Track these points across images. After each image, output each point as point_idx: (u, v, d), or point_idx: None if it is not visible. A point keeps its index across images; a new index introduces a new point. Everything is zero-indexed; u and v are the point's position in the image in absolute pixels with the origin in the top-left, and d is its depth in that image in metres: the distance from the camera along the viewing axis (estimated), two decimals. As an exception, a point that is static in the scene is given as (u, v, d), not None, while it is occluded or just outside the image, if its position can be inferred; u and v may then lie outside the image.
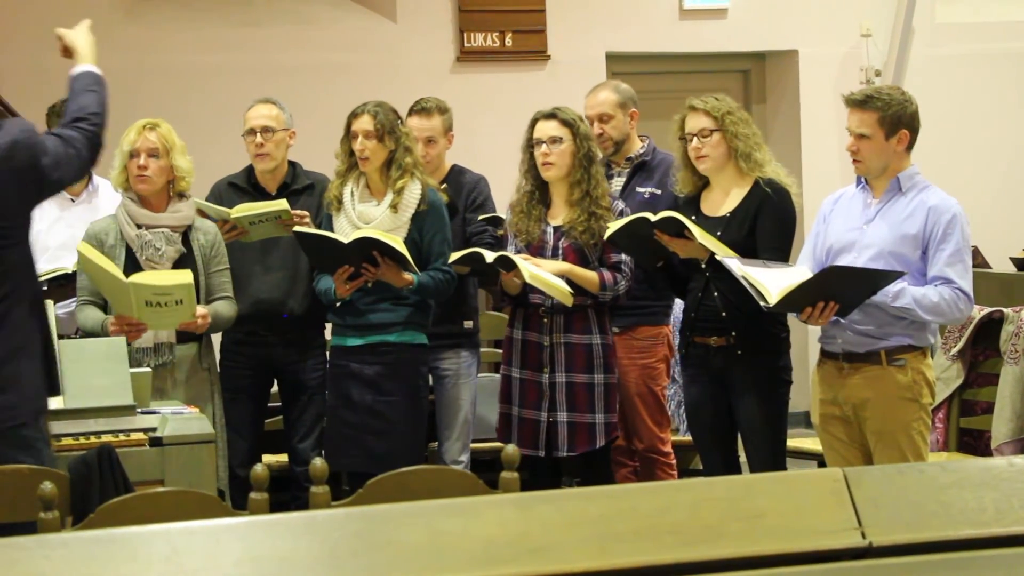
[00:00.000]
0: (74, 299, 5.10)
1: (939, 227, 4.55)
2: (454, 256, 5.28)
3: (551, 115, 5.26)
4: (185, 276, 4.81)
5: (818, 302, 4.52)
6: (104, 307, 5.00)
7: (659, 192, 5.57)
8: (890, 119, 4.59)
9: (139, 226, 5.00)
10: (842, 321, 4.64)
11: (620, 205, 5.31)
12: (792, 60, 8.94)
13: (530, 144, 5.29)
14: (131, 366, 4.64)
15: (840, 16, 8.90)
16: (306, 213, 5.35)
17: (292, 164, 5.62)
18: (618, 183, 5.78)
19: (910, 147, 4.66)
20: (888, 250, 4.54)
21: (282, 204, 5.30)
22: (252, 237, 5.33)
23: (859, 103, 4.62)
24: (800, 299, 4.53)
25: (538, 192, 5.31)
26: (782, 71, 9.03)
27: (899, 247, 4.55)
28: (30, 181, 3.69)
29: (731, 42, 8.81)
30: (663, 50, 8.66)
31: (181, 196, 5.12)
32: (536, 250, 5.26)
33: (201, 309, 4.91)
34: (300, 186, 5.55)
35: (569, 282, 5.14)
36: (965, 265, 4.57)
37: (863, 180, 4.73)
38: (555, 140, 5.21)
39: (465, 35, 8.32)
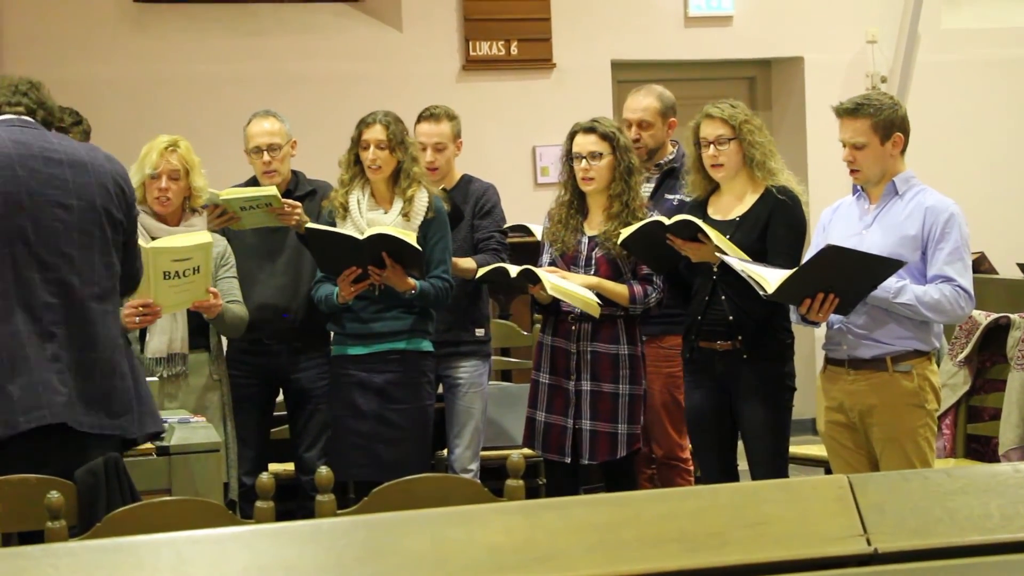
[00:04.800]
0: None
1: (937, 227, 4.55)
2: (480, 271, 5.29)
3: (590, 129, 5.23)
4: (203, 236, 4.83)
5: (817, 293, 4.51)
6: None
7: (688, 199, 5.57)
8: (883, 124, 4.59)
9: (154, 239, 5.01)
10: (844, 327, 4.64)
11: (654, 215, 5.32)
12: (797, 67, 8.94)
13: (568, 155, 5.28)
14: (145, 376, 4.65)
15: (845, 23, 8.90)
16: (298, 204, 5.35)
17: (295, 173, 5.63)
18: (647, 189, 5.80)
19: (904, 150, 4.66)
20: (888, 253, 4.54)
21: (271, 190, 5.30)
22: (244, 225, 5.32)
23: (850, 111, 4.63)
24: (799, 287, 4.52)
25: (576, 202, 5.31)
26: (787, 78, 9.03)
27: (898, 249, 4.54)
28: (121, 189, 3.76)
29: (736, 49, 8.82)
30: (668, 58, 8.67)
31: (194, 211, 5.16)
32: (569, 260, 5.27)
33: (213, 288, 4.93)
34: (302, 193, 5.56)
35: (599, 295, 5.14)
36: (964, 263, 4.57)
37: (859, 188, 4.74)
38: (595, 155, 5.20)
39: (470, 44, 8.33)
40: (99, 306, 3.65)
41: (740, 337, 4.90)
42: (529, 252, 5.68)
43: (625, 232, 5.04)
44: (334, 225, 5.25)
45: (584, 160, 5.21)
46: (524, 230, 6.76)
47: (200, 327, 5.13)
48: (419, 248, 5.06)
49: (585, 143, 5.22)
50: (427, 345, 5.29)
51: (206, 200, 5.24)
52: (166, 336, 5.05)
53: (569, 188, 5.31)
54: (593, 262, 5.24)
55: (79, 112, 5.42)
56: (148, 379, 4.59)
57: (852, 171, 4.66)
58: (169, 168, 5.08)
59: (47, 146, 3.62)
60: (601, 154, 5.20)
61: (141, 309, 4.65)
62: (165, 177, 5.07)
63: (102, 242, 3.68)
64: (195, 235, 4.87)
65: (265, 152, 5.49)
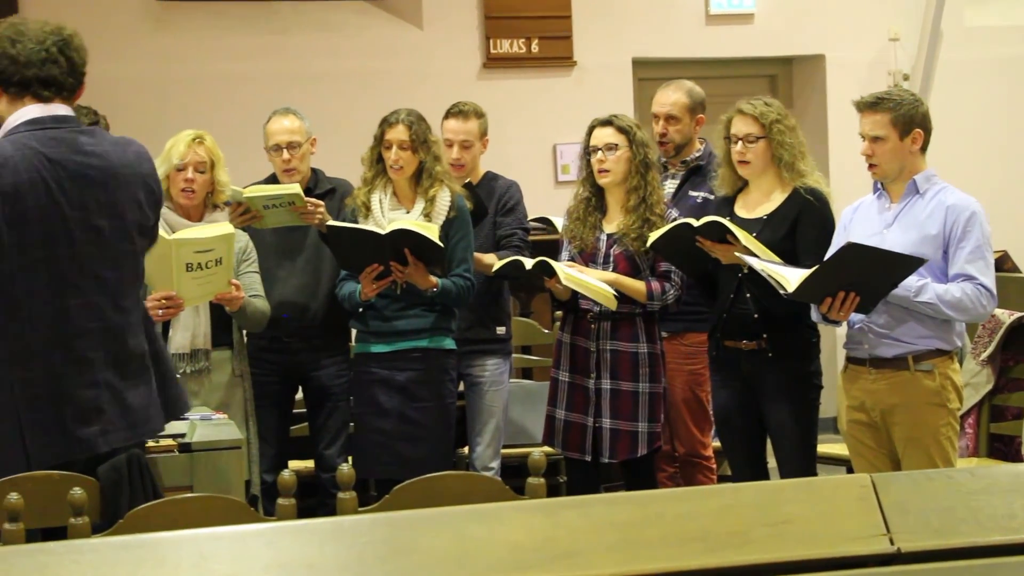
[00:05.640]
0: None
1: (958, 225, 4.54)
2: (492, 258, 5.30)
3: (607, 122, 5.28)
4: (225, 227, 4.83)
5: (838, 292, 4.50)
6: None
7: (712, 197, 5.56)
8: (903, 119, 4.58)
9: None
10: (865, 327, 4.62)
11: (674, 214, 5.32)
12: (819, 65, 8.92)
13: (587, 151, 5.30)
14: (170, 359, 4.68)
15: (868, 20, 8.87)
16: (320, 203, 5.35)
17: (314, 171, 5.64)
18: (671, 185, 5.80)
19: (924, 148, 4.65)
20: (909, 252, 4.52)
21: (294, 188, 5.30)
22: (266, 223, 5.33)
23: (871, 105, 4.63)
24: (820, 285, 4.51)
25: (595, 199, 5.32)
26: (809, 76, 9.01)
27: (920, 248, 4.53)
28: (151, 191, 3.71)
29: (758, 47, 8.80)
30: (690, 55, 8.66)
31: (215, 206, 5.16)
32: (588, 257, 5.28)
33: (235, 280, 4.94)
34: (322, 190, 5.57)
35: (617, 292, 5.14)
36: (986, 262, 4.56)
37: (880, 186, 4.72)
38: (611, 147, 5.22)
39: (491, 41, 8.33)
40: (128, 319, 3.63)
41: (765, 336, 4.89)
42: (550, 249, 5.68)
43: (654, 235, 5.04)
44: (356, 223, 5.25)
45: (600, 152, 5.22)
46: (546, 222, 6.76)
47: (223, 323, 5.14)
48: (441, 245, 5.06)
49: (602, 135, 5.25)
50: (449, 343, 5.29)
51: (229, 197, 5.25)
52: (189, 332, 5.06)
53: (587, 185, 5.33)
54: (612, 259, 5.25)
55: (96, 112, 5.43)
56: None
57: (870, 165, 4.65)
58: (196, 160, 5.10)
59: (82, 161, 3.53)
60: (617, 145, 5.22)
61: (164, 302, 4.66)
62: (191, 168, 5.09)
63: (132, 256, 3.65)
64: (217, 226, 4.88)
65: (285, 150, 5.50)
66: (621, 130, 5.24)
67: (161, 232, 4.60)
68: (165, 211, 5.07)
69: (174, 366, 4.88)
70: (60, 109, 3.59)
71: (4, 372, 3.46)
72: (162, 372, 3.75)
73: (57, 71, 3.58)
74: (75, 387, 3.51)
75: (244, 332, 5.30)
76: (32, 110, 3.56)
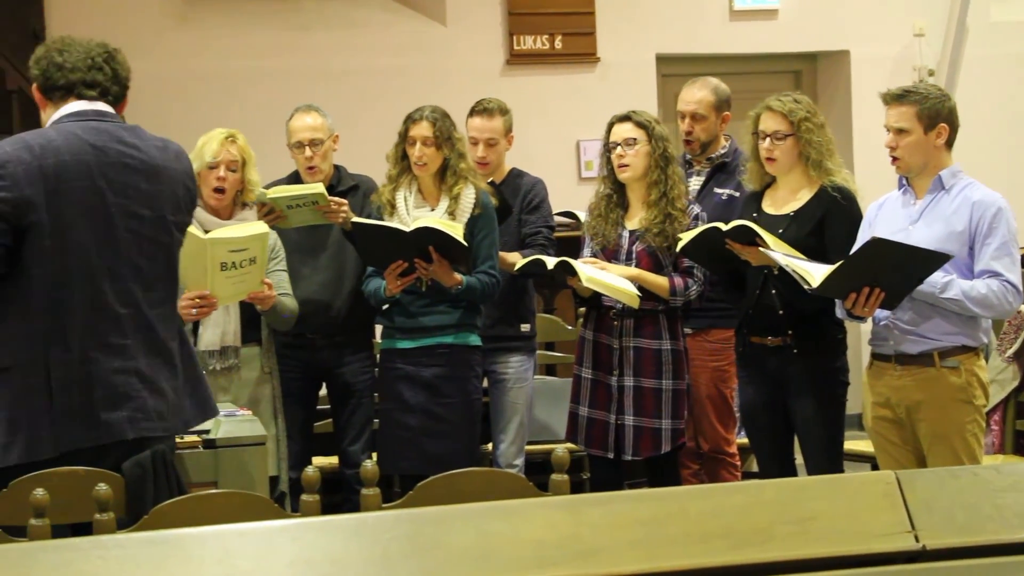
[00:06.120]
0: None
1: (984, 221, 4.51)
2: (518, 263, 5.30)
3: (626, 118, 5.28)
4: (260, 227, 4.85)
5: (863, 287, 4.48)
6: None
7: (737, 194, 5.55)
8: (928, 113, 4.56)
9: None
10: (890, 323, 4.61)
11: (696, 209, 5.31)
12: (844, 61, 8.89)
13: (606, 148, 5.31)
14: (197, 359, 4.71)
15: (892, 16, 8.84)
16: (344, 201, 5.36)
17: (337, 167, 5.64)
18: (697, 182, 5.80)
19: (950, 144, 4.63)
20: (934, 248, 4.50)
21: (318, 187, 5.31)
22: (291, 223, 5.34)
23: (897, 98, 4.61)
24: (844, 281, 4.50)
25: (616, 195, 5.32)
26: (834, 72, 8.98)
27: (945, 245, 4.50)
28: (187, 188, 3.75)
29: (782, 43, 8.78)
30: (713, 51, 8.64)
31: (244, 204, 5.19)
32: (611, 253, 5.28)
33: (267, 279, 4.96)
34: (345, 188, 5.57)
35: (640, 287, 5.14)
36: (1013, 258, 4.53)
37: (905, 182, 4.70)
38: (630, 142, 5.22)
39: (514, 38, 8.33)
40: (160, 311, 3.66)
41: (790, 332, 4.88)
42: (576, 245, 5.68)
43: (684, 239, 5.03)
44: (381, 221, 5.26)
45: (619, 147, 5.22)
46: (572, 216, 6.75)
47: (252, 320, 5.16)
48: (465, 243, 5.06)
49: (621, 131, 5.25)
50: (475, 339, 5.29)
51: (255, 197, 5.26)
52: (219, 329, 5.07)
53: (609, 182, 5.33)
54: (634, 255, 5.24)
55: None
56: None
57: (894, 159, 4.63)
58: (229, 158, 5.11)
59: (123, 151, 3.57)
60: (636, 140, 5.21)
61: (198, 301, 4.68)
62: (224, 167, 5.11)
63: (167, 248, 3.69)
64: (251, 225, 4.89)
65: (307, 147, 5.50)
66: (640, 125, 5.24)
67: (194, 231, 4.64)
68: (196, 209, 5.10)
69: (204, 363, 4.92)
70: (103, 107, 3.64)
71: (39, 352, 3.49)
72: (194, 374, 3.78)
73: (102, 77, 3.66)
74: (106, 371, 3.53)
75: (271, 329, 5.31)
76: (76, 104, 3.62)
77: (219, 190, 5.11)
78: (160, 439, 3.63)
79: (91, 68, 3.64)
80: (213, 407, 3.89)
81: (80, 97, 3.62)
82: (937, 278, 4.48)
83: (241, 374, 5.15)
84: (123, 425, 3.54)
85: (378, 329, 5.52)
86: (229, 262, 4.66)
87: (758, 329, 4.96)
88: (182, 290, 4.76)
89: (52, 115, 3.64)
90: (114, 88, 3.68)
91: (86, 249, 3.52)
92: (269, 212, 5.28)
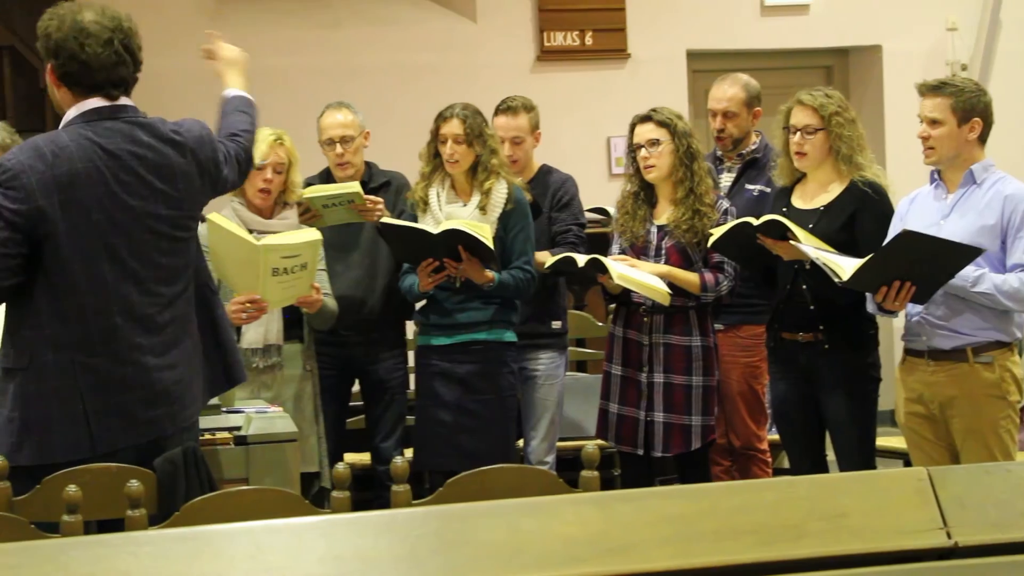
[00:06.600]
0: None
1: (1017, 215, 4.49)
2: (548, 261, 5.29)
3: (647, 118, 5.26)
4: (313, 233, 4.87)
5: (893, 281, 4.46)
6: None
7: (768, 190, 5.53)
8: (963, 106, 4.54)
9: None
10: (923, 318, 4.58)
11: (725, 204, 5.30)
12: (876, 56, 8.85)
13: (631, 147, 5.30)
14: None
15: (925, 10, 8.79)
16: (380, 200, 5.37)
17: (368, 164, 5.66)
18: (728, 179, 5.79)
19: (983, 139, 4.60)
20: (966, 242, 4.47)
21: (354, 187, 5.32)
22: (326, 222, 5.35)
23: (933, 89, 4.60)
24: (875, 274, 4.48)
25: (643, 192, 5.31)
26: (865, 67, 8.94)
27: (977, 238, 4.48)
28: (209, 175, 3.74)
29: (813, 38, 8.74)
30: (744, 47, 8.61)
31: (285, 204, 5.22)
32: (639, 250, 5.27)
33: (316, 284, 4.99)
34: (376, 184, 5.59)
35: (670, 284, 5.13)
36: (1045, 252, 4.50)
37: (937, 176, 4.68)
38: (653, 143, 5.21)
39: (545, 34, 8.33)
40: (182, 305, 3.68)
41: (821, 328, 4.86)
42: (605, 242, 5.67)
43: (716, 234, 5.02)
44: (415, 219, 5.27)
45: (643, 149, 5.21)
46: (603, 212, 6.74)
47: (294, 318, 5.18)
48: (490, 246, 5.06)
49: (643, 132, 5.24)
50: (510, 335, 5.29)
51: (296, 198, 5.29)
52: (262, 328, 5.09)
53: (635, 179, 5.32)
54: (663, 252, 5.23)
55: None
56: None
57: (926, 149, 4.61)
58: (276, 161, 5.14)
59: (137, 151, 3.57)
60: (659, 141, 5.20)
61: (249, 305, 4.71)
62: (271, 169, 5.13)
63: (186, 241, 3.70)
64: (305, 232, 4.93)
65: (338, 144, 5.51)
66: (662, 124, 5.22)
67: (248, 236, 4.68)
68: (237, 207, 5.14)
69: (247, 361, 4.95)
70: (123, 100, 3.64)
71: (67, 357, 3.51)
72: (222, 340, 3.79)
73: (126, 71, 3.64)
74: (137, 371, 3.55)
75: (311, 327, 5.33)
76: (96, 101, 3.61)
77: (264, 191, 5.13)
78: (190, 428, 3.65)
79: (117, 64, 3.60)
80: (242, 372, 3.91)
81: (106, 96, 3.60)
82: (969, 272, 4.45)
83: (284, 372, 5.17)
84: (162, 422, 3.58)
85: (409, 326, 5.53)
86: (281, 267, 4.70)
87: (789, 325, 4.94)
88: (230, 293, 4.81)
89: (70, 109, 3.61)
90: (135, 76, 3.66)
91: (105, 256, 3.52)
92: (305, 211, 5.30)
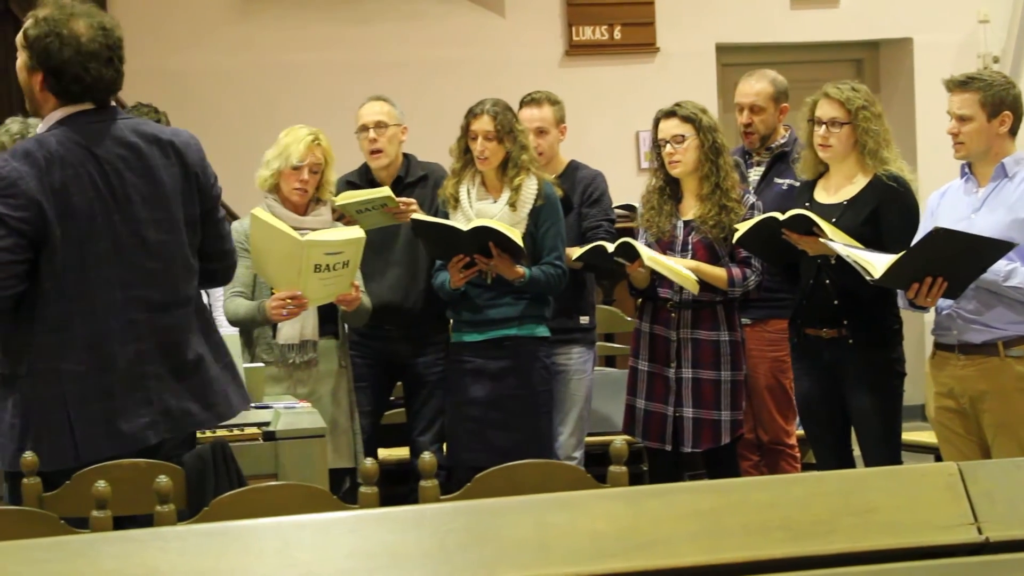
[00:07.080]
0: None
1: None
2: (577, 253, 5.29)
3: (671, 113, 5.25)
4: (356, 231, 4.90)
5: (925, 277, 4.44)
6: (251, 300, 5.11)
7: (796, 184, 5.52)
8: (992, 100, 4.52)
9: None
10: (953, 313, 4.56)
11: (751, 199, 5.28)
12: (907, 48, 8.80)
13: (656, 142, 5.29)
14: (276, 361, 4.90)
15: (956, 2, 8.74)
16: (413, 201, 5.38)
17: (406, 157, 5.66)
18: (756, 173, 5.78)
19: (1014, 132, 4.57)
20: (998, 236, 4.45)
21: (385, 191, 5.34)
22: (362, 227, 5.37)
23: (960, 84, 4.58)
24: (906, 272, 4.46)
25: (668, 187, 5.30)
26: (896, 60, 8.89)
27: (1009, 232, 4.45)
28: (197, 179, 3.68)
29: (844, 31, 8.70)
30: (774, 40, 8.58)
31: (319, 200, 5.24)
32: (666, 245, 5.26)
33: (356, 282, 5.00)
34: (413, 178, 5.60)
35: (699, 280, 5.12)
36: (1077, 245, 4.48)
37: (967, 170, 4.65)
38: (678, 138, 5.20)
39: (573, 29, 8.32)
40: (180, 311, 3.63)
41: (845, 323, 4.84)
42: (632, 238, 5.65)
43: (741, 229, 5.00)
44: (447, 216, 5.27)
45: (668, 144, 5.20)
46: (630, 209, 6.73)
47: (329, 314, 5.20)
48: (520, 244, 5.06)
49: (668, 127, 5.23)
50: (542, 331, 5.29)
51: (329, 200, 5.31)
52: (298, 323, 5.11)
53: (660, 175, 5.31)
54: (690, 247, 5.22)
55: (157, 108, 5.50)
56: (250, 365, 4.67)
57: (956, 144, 4.59)
58: (313, 161, 5.16)
59: (125, 155, 3.54)
60: (684, 136, 5.19)
61: (289, 302, 4.74)
62: (307, 170, 5.15)
63: (179, 247, 3.64)
64: (348, 230, 4.96)
65: (371, 130, 5.52)
66: (686, 119, 5.21)
67: (291, 232, 4.69)
68: (272, 203, 5.16)
69: (283, 356, 4.96)
70: (116, 110, 3.63)
71: (53, 364, 3.49)
72: (225, 363, 3.76)
73: (119, 81, 3.61)
74: (123, 380, 3.53)
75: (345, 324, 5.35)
76: (83, 107, 3.56)
77: (301, 190, 5.15)
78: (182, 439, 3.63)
79: (115, 79, 3.57)
80: (245, 398, 3.83)
81: (97, 104, 3.57)
82: (1000, 266, 4.43)
83: (319, 367, 5.20)
84: (144, 433, 3.53)
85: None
86: (324, 264, 4.73)
87: (813, 321, 4.92)
88: (267, 290, 4.80)
89: (55, 111, 3.57)
90: (121, 78, 3.61)
91: (95, 262, 3.50)
92: (340, 218, 5.32)
